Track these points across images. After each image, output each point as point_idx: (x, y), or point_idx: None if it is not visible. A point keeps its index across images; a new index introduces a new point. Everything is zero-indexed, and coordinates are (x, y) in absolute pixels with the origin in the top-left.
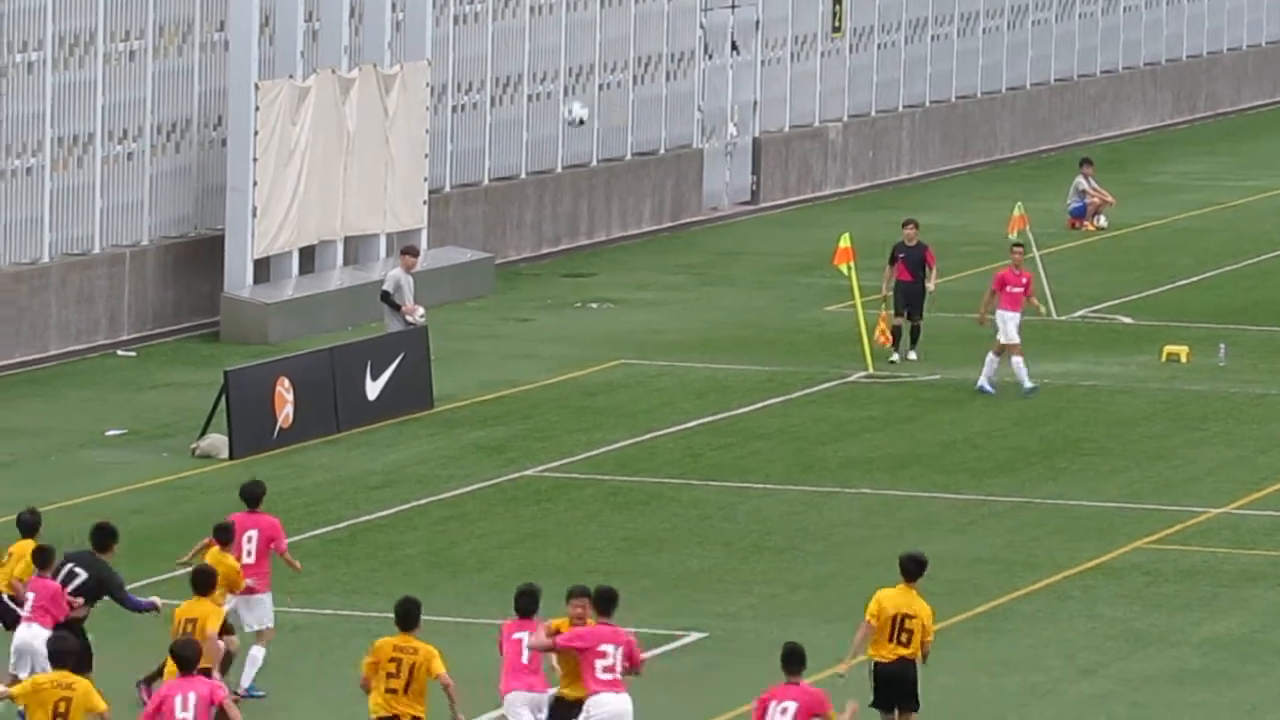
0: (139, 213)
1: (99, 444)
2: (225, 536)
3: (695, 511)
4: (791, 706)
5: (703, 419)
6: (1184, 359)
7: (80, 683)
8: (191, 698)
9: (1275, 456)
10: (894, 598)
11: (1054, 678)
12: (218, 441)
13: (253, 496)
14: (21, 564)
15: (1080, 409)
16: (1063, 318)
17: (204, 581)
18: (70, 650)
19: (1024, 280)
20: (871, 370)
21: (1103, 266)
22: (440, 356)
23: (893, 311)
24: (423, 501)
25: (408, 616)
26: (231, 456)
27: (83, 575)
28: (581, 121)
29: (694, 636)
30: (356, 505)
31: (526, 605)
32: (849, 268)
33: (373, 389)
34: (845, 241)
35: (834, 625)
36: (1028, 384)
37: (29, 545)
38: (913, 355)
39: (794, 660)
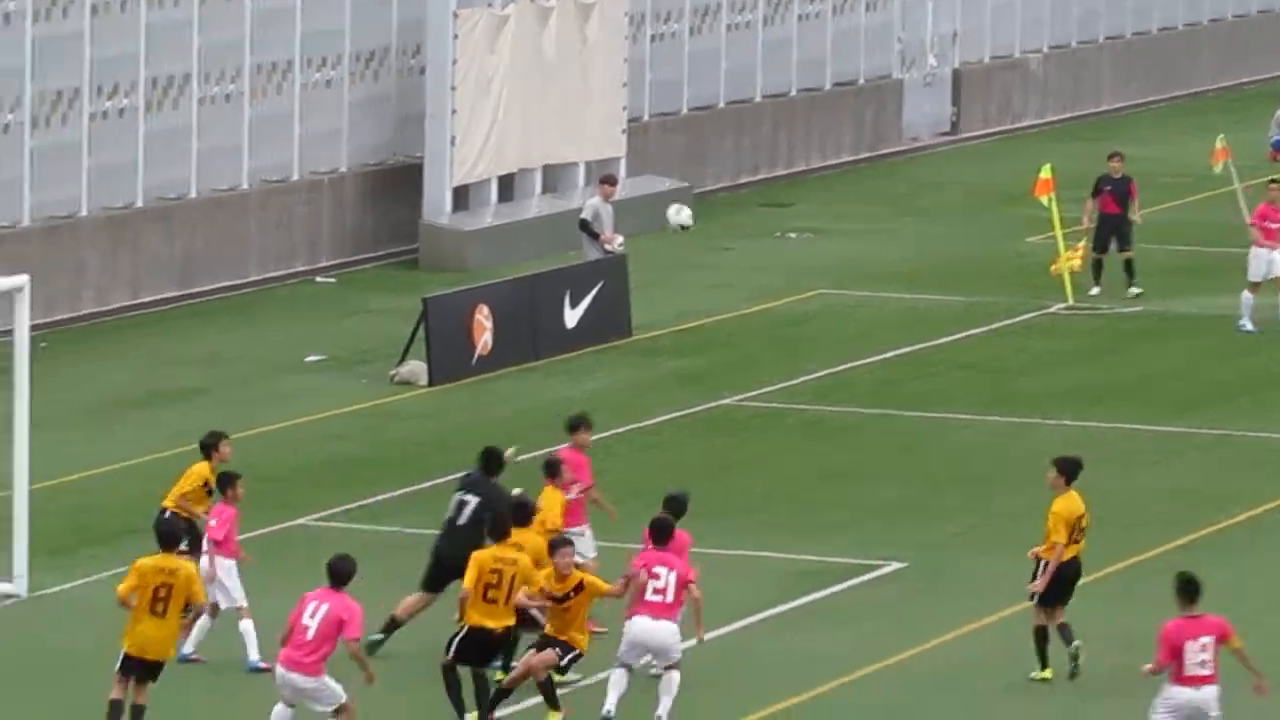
0: (337, 140)
1: (298, 370)
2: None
3: (894, 442)
4: (1209, 640)
5: (901, 349)
6: None
7: (184, 568)
8: (323, 609)
9: None
10: (1066, 504)
11: (1254, 610)
12: (417, 368)
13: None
14: (190, 484)
15: None
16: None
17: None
18: (177, 534)
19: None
20: (1072, 302)
21: None
22: (639, 285)
23: (1092, 245)
24: (621, 430)
25: (498, 527)
26: (430, 383)
27: (472, 501)
28: (684, 228)
29: (893, 566)
30: (556, 433)
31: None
32: (1049, 199)
33: (571, 317)
34: (1046, 173)
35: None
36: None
37: (205, 468)
38: (1135, 290)
39: (1192, 590)
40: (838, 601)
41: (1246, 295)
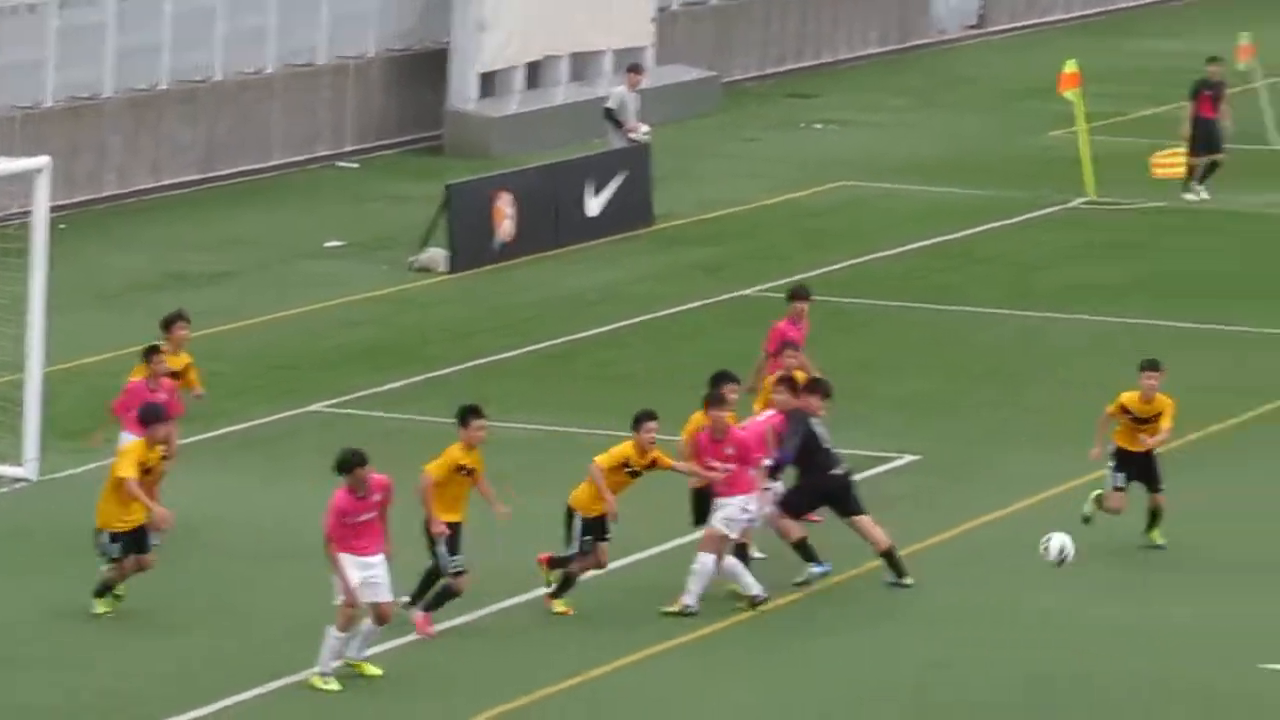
0: (364, 24)
1: (317, 255)
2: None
3: (915, 334)
4: None
5: (924, 241)
6: None
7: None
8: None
9: None
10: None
11: (1274, 505)
12: (437, 255)
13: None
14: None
15: None
16: None
17: None
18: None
19: None
20: (1094, 196)
21: None
22: (662, 174)
23: (1188, 149)
24: (642, 318)
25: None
26: (451, 270)
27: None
28: (1063, 561)
29: (907, 459)
30: (576, 321)
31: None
32: (1075, 93)
33: (594, 205)
34: (1071, 67)
35: (1049, 451)
36: None
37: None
38: (1205, 195)
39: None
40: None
41: None
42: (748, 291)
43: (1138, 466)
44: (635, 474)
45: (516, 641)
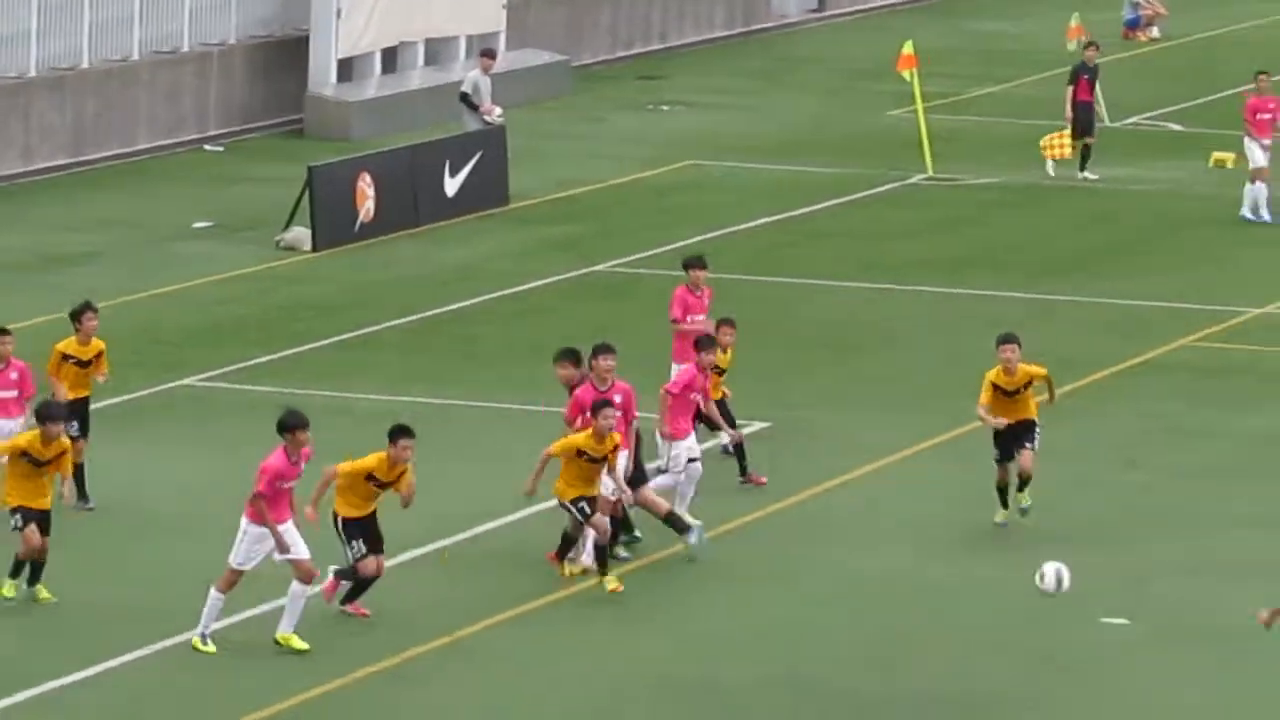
0: (226, 12)
1: (187, 236)
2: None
3: (762, 307)
4: None
5: (769, 218)
6: (1230, 165)
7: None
8: None
9: None
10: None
11: (1100, 468)
12: (301, 234)
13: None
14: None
15: (1132, 213)
16: (1115, 124)
17: None
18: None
19: (1270, 106)
20: (932, 173)
21: (1155, 76)
22: (517, 155)
23: (1072, 132)
24: (498, 294)
25: None
26: (314, 249)
27: None
28: (1059, 585)
29: (757, 425)
30: (435, 297)
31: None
32: (912, 74)
33: (451, 186)
34: (908, 48)
35: (892, 416)
36: (1266, 215)
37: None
38: (1090, 175)
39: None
40: (709, 460)
41: (1253, 186)
42: (599, 267)
43: (1013, 436)
44: (595, 461)
45: (389, 603)
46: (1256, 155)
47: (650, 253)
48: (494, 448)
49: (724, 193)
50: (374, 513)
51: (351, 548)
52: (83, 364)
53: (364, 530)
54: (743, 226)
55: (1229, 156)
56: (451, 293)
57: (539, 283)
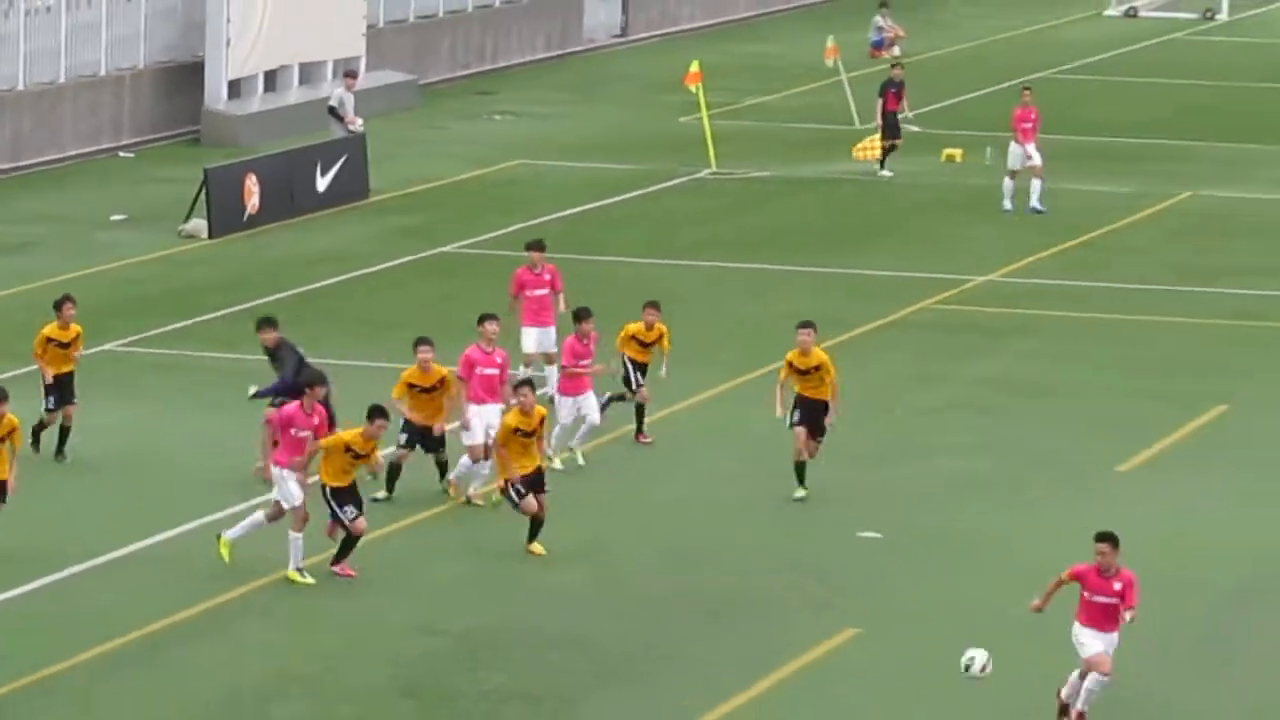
0: (136, 43)
1: (106, 227)
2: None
3: (577, 282)
4: None
5: (584, 207)
6: (959, 159)
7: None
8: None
9: (1029, 235)
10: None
11: (857, 412)
12: (199, 225)
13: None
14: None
15: (875, 200)
16: (865, 126)
17: None
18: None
19: (1031, 116)
20: (715, 168)
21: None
22: (375, 158)
23: (880, 137)
24: (359, 273)
25: None
26: (210, 236)
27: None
28: (984, 670)
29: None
30: (307, 276)
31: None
32: (698, 88)
33: (322, 183)
34: (695, 67)
35: (686, 371)
36: (1038, 204)
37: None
38: (887, 173)
39: None
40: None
41: (1007, 181)
42: (446, 249)
43: (809, 410)
44: (528, 435)
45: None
46: (1017, 157)
47: (487, 236)
48: (351, 399)
49: (546, 187)
50: (354, 483)
51: (345, 512)
52: (63, 345)
53: (352, 497)
54: (562, 214)
55: (958, 152)
56: (321, 271)
57: (394, 262)
